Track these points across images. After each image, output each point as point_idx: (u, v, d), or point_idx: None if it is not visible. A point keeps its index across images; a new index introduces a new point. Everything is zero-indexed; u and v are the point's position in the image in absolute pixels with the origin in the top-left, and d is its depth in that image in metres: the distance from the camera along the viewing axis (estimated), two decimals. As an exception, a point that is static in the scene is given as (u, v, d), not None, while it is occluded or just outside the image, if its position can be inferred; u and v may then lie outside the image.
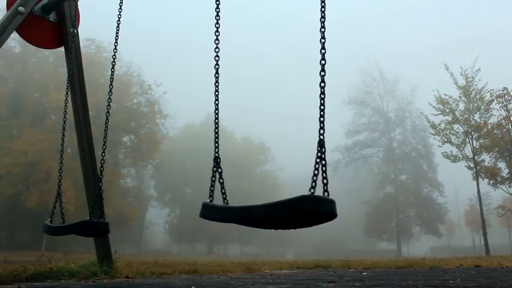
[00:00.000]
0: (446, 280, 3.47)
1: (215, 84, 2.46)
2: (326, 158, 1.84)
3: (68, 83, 4.27)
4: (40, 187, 29.29)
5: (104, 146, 3.57)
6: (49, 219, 3.66)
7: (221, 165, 2.29)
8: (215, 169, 2.23)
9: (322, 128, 1.86)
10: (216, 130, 2.38)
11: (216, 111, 2.46)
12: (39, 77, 33.67)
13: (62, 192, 3.77)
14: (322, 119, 1.89)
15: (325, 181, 1.79)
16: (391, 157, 49.32)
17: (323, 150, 1.81)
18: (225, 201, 2.15)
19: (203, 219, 2.09)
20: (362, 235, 50.89)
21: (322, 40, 1.99)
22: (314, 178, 1.76)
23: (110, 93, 3.67)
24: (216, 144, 2.32)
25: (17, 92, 33.17)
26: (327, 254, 32.13)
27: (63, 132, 4.03)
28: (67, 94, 4.12)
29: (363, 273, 5.04)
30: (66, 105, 4.05)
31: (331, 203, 1.72)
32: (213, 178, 2.21)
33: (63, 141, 3.98)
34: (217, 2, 2.56)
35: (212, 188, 2.18)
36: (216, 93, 2.46)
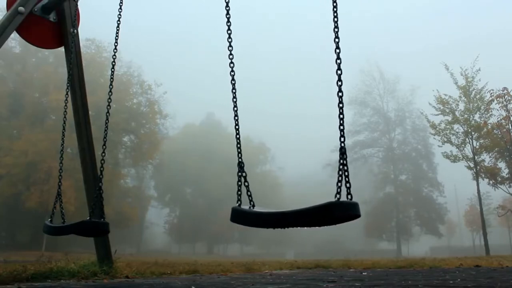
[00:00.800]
0: (446, 280, 3.47)
1: (232, 91, 2.49)
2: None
3: (68, 83, 4.27)
4: (40, 187, 29.29)
5: (104, 146, 3.57)
6: (49, 219, 3.66)
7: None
8: (239, 173, 2.28)
9: (342, 136, 1.94)
10: (238, 137, 2.48)
11: (236, 117, 2.50)
12: (39, 77, 33.67)
13: (62, 192, 3.77)
14: (342, 127, 1.96)
15: (347, 185, 1.88)
16: (391, 157, 49.32)
17: (345, 157, 1.91)
18: (251, 203, 2.21)
19: (235, 223, 2.18)
20: (362, 235, 50.87)
21: (336, 40, 2.03)
22: (339, 184, 1.86)
23: (110, 93, 3.67)
24: (239, 150, 2.41)
25: (17, 92, 33.17)
26: (327, 254, 32.13)
27: (63, 132, 4.03)
28: (67, 94, 4.12)
29: (363, 273, 5.04)
30: (66, 105, 4.05)
31: (356, 206, 1.84)
32: (239, 183, 2.27)
33: (63, 141, 3.98)
34: (226, 8, 2.57)
35: (239, 192, 2.25)
36: (234, 99, 2.48)
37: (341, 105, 1.97)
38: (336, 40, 2.01)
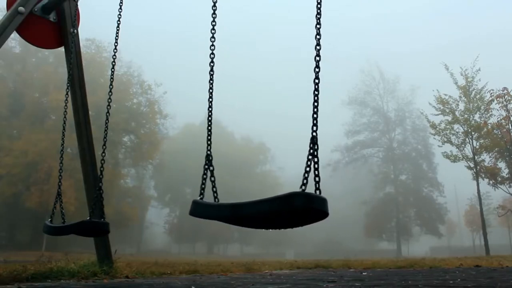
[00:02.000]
0: (446, 280, 3.47)
1: (209, 82, 2.47)
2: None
3: (68, 83, 4.27)
4: (40, 187, 29.29)
5: (104, 146, 3.57)
6: (49, 219, 3.66)
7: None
8: (206, 167, 2.20)
9: (315, 125, 1.85)
10: (209, 128, 2.37)
11: (210, 109, 2.46)
12: (39, 77, 33.68)
13: (62, 192, 3.77)
14: (315, 115, 1.86)
15: (317, 178, 1.76)
16: (391, 157, 49.34)
17: (316, 147, 1.79)
18: (216, 199, 2.13)
19: (193, 216, 2.07)
20: (362, 235, 50.90)
21: (317, 37, 1.98)
22: (306, 175, 1.74)
23: (110, 93, 3.67)
24: (209, 142, 2.31)
25: (17, 92, 33.18)
26: (327, 254, 32.12)
27: (63, 132, 4.03)
28: (67, 94, 4.13)
29: (363, 273, 5.04)
30: (66, 105, 4.05)
31: (323, 201, 1.68)
32: (204, 176, 2.18)
33: (63, 141, 3.99)
34: (213, 8, 2.56)
35: (203, 186, 2.15)
36: (210, 90, 2.46)
37: (316, 92, 1.89)
38: (317, 37, 1.97)
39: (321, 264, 7.46)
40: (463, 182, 31.83)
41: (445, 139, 22.17)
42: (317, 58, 1.94)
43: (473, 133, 21.61)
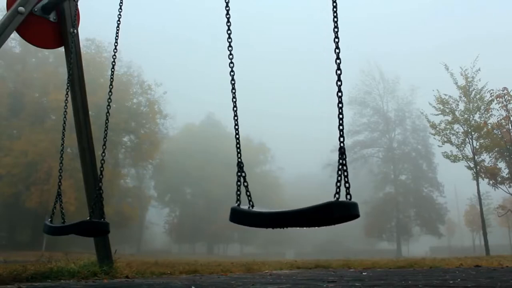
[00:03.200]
0: (446, 280, 3.47)
1: (231, 91, 2.49)
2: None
3: (68, 83, 4.27)
4: (40, 187, 29.28)
5: (104, 146, 3.57)
6: (49, 219, 3.66)
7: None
8: (239, 173, 2.28)
9: (342, 135, 1.94)
10: (237, 137, 2.48)
11: (236, 118, 2.49)
12: (39, 77, 33.66)
13: (62, 192, 3.77)
14: (341, 127, 1.96)
15: (347, 185, 1.88)
16: (391, 157, 49.33)
17: (344, 157, 1.91)
18: (251, 203, 2.20)
19: (234, 223, 2.18)
20: (362, 235, 50.88)
21: (337, 50, 2.03)
22: (338, 184, 1.86)
23: (110, 93, 3.67)
24: (238, 150, 2.41)
25: (17, 92, 33.16)
26: (327, 254, 32.13)
27: (63, 132, 4.03)
28: (67, 94, 4.12)
29: (363, 273, 5.03)
30: (66, 105, 4.05)
31: (355, 206, 1.84)
32: (238, 183, 2.27)
33: (63, 141, 3.98)
34: (226, 8, 2.57)
35: (238, 192, 2.25)
36: (234, 99, 2.48)
37: (340, 105, 1.97)
38: (336, 40, 2.02)
39: (321, 264, 7.45)
40: (463, 182, 31.84)
41: (445, 139, 22.17)
42: (338, 72, 2.00)
43: (473, 133, 21.60)
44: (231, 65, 2.50)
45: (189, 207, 55.67)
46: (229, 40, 2.53)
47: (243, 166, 2.31)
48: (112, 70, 3.85)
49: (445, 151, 22.50)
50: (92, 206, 3.62)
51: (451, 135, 22.11)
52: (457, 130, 22.08)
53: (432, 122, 23.20)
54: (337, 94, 1.97)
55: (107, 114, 3.63)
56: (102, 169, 3.51)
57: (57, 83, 30.02)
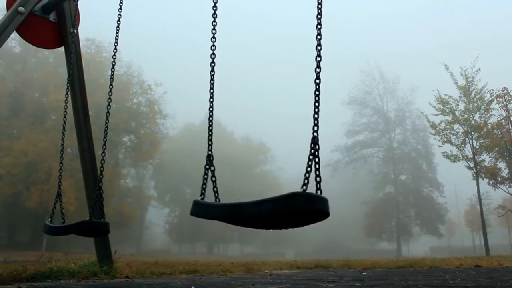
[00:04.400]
0: (446, 280, 3.47)
1: (210, 82, 2.46)
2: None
3: (68, 83, 4.27)
4: (40, 187, 29.27)
5: (104, 146, 3.57)
6: (49, 219, 3.66)
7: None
8: (207, 166, 2.20)
9: (316, 125, 1.84)
10: (210, 128, 2.38)
11: (211, 109, 2.46)
12: (39, 77, 33.65)
13: (62, 192, 3.77)
14: (316, 116, 1.86)
15: (318, 178, 1.76)
16: (391, 157, 49.33)
17: (317, 147, 1.79)
18: (217, 199, 2.13)
19: (195, 217, 2.06)
20: (362, 235, 50.89)
21: (318, 37, 1.98)
22: (307, 175, 1.73)
23: (110, 93, 3.67)
24: (210, 142, 2.31)
25: (17, 92, 33.16)
26: (327, 254, 32.12)
27: (63, 132, 4.03)
28: (67, 94, 4.12)
29: (363, 273, 5.04)
30: (66, 105, 4.05)
31: (324, 201, 1.69)
32: (205, 176, 2.17)
33: (63, 141, 3.99)
34: (214, 8, 2.55)
35: (204, 186, 2.14)
36: (211, 91, 2.46)
37: (317, 92, 1.89)
38: (318, 37, 1.98)
39: (321, 264, 7.45)
40: (463, 182, 31.84)
41: (445, 139, 22.16)
42: (318, 59, 1.94)
43: (473, 133, 21.60)
44: (213, 56, 2.46)
45: (189, 207, 54.84)
46: (214, 31, 2.50)
47: (212, 159, 2.23)
48: (112, 70, 3.85)
49: (445, 151, 22.52)
50: (92, 206, 3.62)
51: (451, 135, 22.11)
52: (457, 130, 22.09)
53: (432, 122, 23.21)
54: (315, 81, 1.90)
55: (107, 114, 3.63)
56: (102, 169, 3.51)
57: (57, 83, 30.02)
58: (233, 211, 1.87)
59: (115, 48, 3.85)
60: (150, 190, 53.59)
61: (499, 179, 21.71)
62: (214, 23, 2.51)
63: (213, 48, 2.48)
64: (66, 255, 5.51)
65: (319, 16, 2.01)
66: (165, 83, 40.20)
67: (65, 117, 4.07)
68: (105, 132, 3.62)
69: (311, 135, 1.82)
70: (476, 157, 21.43)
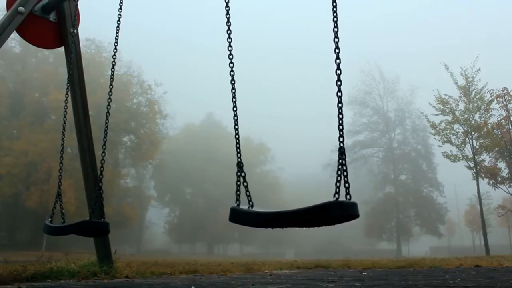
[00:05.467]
0: (446, 280, 3.47)
1: (231, 91, 2.49)
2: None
3: (68, 83, 4.27)
4: (40, 187, 29.29)
5: (104, 146, 3.57)
6: (49, 219, 3.66)
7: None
8: (239, 173, 2.28)
9: (341, 135, 1.94)
10: (237, 136, 2.48)
11: (235, 118, 2.49)
12: (39, 77, 33.66)
13: (62, 192, 3.77)
14: (341, 127, 1.96)
15: (346, 185, 1.87)
16: (391, 157, 49.34)
17: (344, 157, 1.91)
18: (250, 203, 2.20)
19: (234, 223, 2.17)
20: (362, 235, 50.89)
21: (337, 50, 2.03)
22: (337, 184, 1.85)
23: (110, 93, 3.67)
24: (238, 150, 2.41)
25: (17, 92, 33.17)
26: (327, 254, 32.13)
27: (63, 132, 4.03)
28: (67, 94, 4.12)
29: (363, 273, 5.03)
30: (66, 105, 4.05)
31: (354, 206, 1.83)
32: (238, 183, 2.27)
33: (63, 141, 3.98)
34: (226, 8, 2.57)
35: (238, 192, 2.24)
36: (234, 99, 2.48)
37: (340, 105, 1.97)
38: (336, 40, 2.01)
39: (321, 264, 7.45)
40: (463, 182, 31.83)
41: (445, 139, 22.16)
42: (338, 72, 2.00)
43: (473, 133, 21.59)
44: (231, 65, 2.50)
45: (189, 207, 55.66)
46: (229, 40, 2.53)
47: (243, 166, 2.31)
48: (112, 70, 3.85)
49: (445, 151, 22.52)
50: (92, 206, 3.62)
51: (451, 135, 22.10)
52: (457, 130, 22.08)
53: (432, 122, 23.20)
54: (337, 94, 1.98)
55: (107, 114, 3.62)
56: (102, 169, 3.51)
57: (57, 83, 30.03)
58: (271, 220, 2.01)
59: (115, 48, 3.85)
60: (150, 190, 53.62)
61: (499, 179, 21.71)
62: (228, 31, 2.53)
63: (230, 57, 2.51)
64: (66, 255, 5.52)
65: (335, 19, 2.05)
66: (165, 83, 40.25)
67: (65, 117, 4.07)
68: (105, 132, 3.62)
69: (338, 146, 1.92)
70: (476, 157, 21.43)
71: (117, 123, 32.42)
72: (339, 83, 1.98)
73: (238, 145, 2.43)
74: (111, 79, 3.76)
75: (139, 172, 46.12)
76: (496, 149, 21.58)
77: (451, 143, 22.00)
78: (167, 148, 46.19)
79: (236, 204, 2.20)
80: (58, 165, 3.88)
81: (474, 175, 21.47)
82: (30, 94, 33.36)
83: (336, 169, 1.89)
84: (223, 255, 52.65)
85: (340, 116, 1.96)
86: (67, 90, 4.16)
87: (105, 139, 3.60)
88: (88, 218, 3.56)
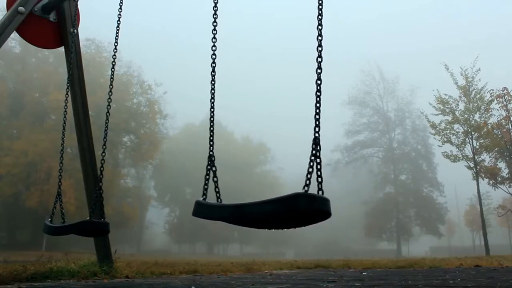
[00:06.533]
0: (446, 280, 3.47)
1: (211, 83, 2.45)
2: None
3: (68, 83, 4.27)
4: (40, 187, 29.28)
5: (104, 146, 3.57)
6: (49, 219, 3.66)
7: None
8: (209, 167, 2.21)
9: (317, 126, 1.85)
10: (211, 129, 2.39)
11: (212, 109, 2.44)
12: (39, 77, 33.66)
13: (62, 192, 3.77)
14: (317, 116, 1.87)
15: (319, 179, 1.77)
16: (391, 157, 49.34)
17: (318, 148, 1.80)
18: (219, 199, 2.14)
19: (196, 217, 2.07)
20: (362, 235, 50.91)
21: (319, 38, 1.98)
22: (308, 176, 1.74)
23: (110, 93, 3.67)
24: (211, 143, 2.32)
25: (17, 92, 33.16)
26: (327, 254, 32.13)
27: (63, 132, 4.03)
28: (67, 94, 4.12)
29: (363, 273, 5.04)
30: (66, 105, 4.05)
31: (325, 201, 1.70)
32: (207, 177, 2.19)
33: (63, 141, 3.98)
34: (214, 8, 2.55)
35: (205, 187, 2.16)
36: (212, 91, 2.45)
37: (318, 93, 1.89)
38: (319, 38, 1.97)
39: (321, 264, 7.45)
40: (463, 182, 31.84)
41: (445, 139, 22.15)
42: (319, 59, 1.94)
43: (473, 133, 21.59)
44: (213, 56, 2.45)
45: (189, 207, 55.39)
46: (214, 32, 2.48)
47: (214, 159, 2.24)
48: (112, 70, 3.85)
49: (445, 151, 22.51)
50: (92, 206, 3.62)
51: (451, 135, 22.10)
52: (457, 130, 22.08)
53: (432, 122, 23.20)
54: (316, 82, 1.90)
55: (107, 114, 3.62)
56: (102, 169, 3.51)
57: (57, 83, 30.03)
58: (235, 212, 1.87)
59: (115, 48, 3.85)
60: (150, 190, 53.64)
61: (499, 179, 21.71)
62: (214, 23, 2.51)
63: (213, 48, 2.48)
64: (66, 255, 5.52)
65: (320, 17, 2.01)
66: (165, 83, 40.23)
67: (65, 117, 4.07)
68: (105, 132, 3.62)
69: (313, 136, 1.82)
70: (476, 157, 21.43)
71: (117, 123, 32.41)
72: (319, 70, 1.91)
73: (212, 138, 2.34)
74: (111, 79, 3.76)
75: (139, 172, 46.13)
76: (496, 149, 21.58)
77: (451, 143, 22.00)
78: (167, 148, 46.20)
79: (202, 198, 2.10)
80: (58, 165, 3.88)
81: (474, 175, 21.47)
82: (30, 94, 33.35)
83: (309, 160, 1.77)
84: (223, 255, 52.66)
85: (318, 105, 1.88)
86: (67, 90, 4.16)
87: (105, 139, 3.61)
88: (88, 218, 3.56)
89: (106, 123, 3.64)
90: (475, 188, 21.37)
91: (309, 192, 1.69)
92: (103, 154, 3.50)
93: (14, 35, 4.17)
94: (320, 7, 2.04)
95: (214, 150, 2.30)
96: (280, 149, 64.57)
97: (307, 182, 1.72)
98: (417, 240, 51.09)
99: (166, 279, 4.16)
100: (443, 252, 43.03)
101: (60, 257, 5.34)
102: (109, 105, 3.62)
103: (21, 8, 3.95)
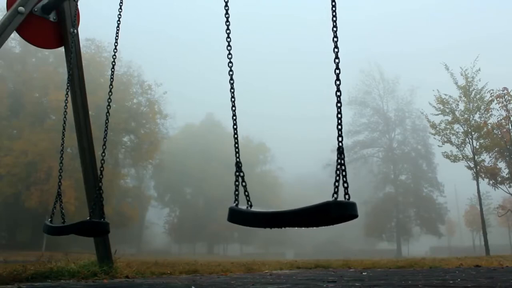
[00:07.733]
0: (446, 280, 3.47)
1: (230, 91, 2.48)
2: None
3: (68, 83, 4.26)
4: (40, 187, 29.29)
5: (104, 146, 3.57)
6: (49, 219, 3.66)
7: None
8: (237, 173, 2.28)
9: (340, 135, 1.93)
10: (236, 136, 2.45)
11: (234, 117, 2.48)
12: (39, 77, 33.65)
13: (62, 192, 3.76)
14: (340, 126, 1.96)
15: (345, 185, 1.86)
16: (391, 157, 49.33)
17: (343, 157, 1.89)
18: (249, 203, 2.19)
19: (232, 223, 2.16)
20: (362, 235, 50.89)
21: (335, 50, 2.02)
22: (336, 184, 1.84)
23: (110, 93, 3.66)
24: (237, 150, 2.40)
25: (17, 92, 33.16)
26: (327, 254, 32.13)
27: (63, 132, 4.03)
28: (67, 94, 4.12)
29: (363, 273, 5.03)
30: (66, 105, 4.04)
31: (353, 206, 1.83)
32: (236, 183, 2.26)
33: (63, 141, 3.98)
34: (226, 8, 2.57)
35: (236, 192, 2.24)
36: (233, 99, 2.48)
37: (339, 104, 1.96)
38: (335, 39, 2.01)
39: (321, 264, 7.45)
40: (463, 182, 31.83)
41: (445, 139, 22.17)
42: (337, 72, 2.00)
43: (473, 133, 21.60)
44: (230, 64, 2.50)
45: (189, 207, 55.67)
46: (228, 39, 2.53)
47: (241, 165, 2.31)
48: (112, 70, 3.84)
49: (445, 151, 22.53)
50: (92, 206, 3.62)
51: (451, 135, 22.12)
52: (457, 130, 22.10)
53: (432, 122, 23.21)
54: (336, 93, 1.97)
55: (107, 114, 3.62)
56: (102, 169, 3.51)
57: (57, 83, 30.03)
58: (270, 220, 2.00)
59: (115, 48, 3.85)
60: (150, 190, 53.64)
61: (499, 179, 21.72)
62: (227, 31, 2.53)
63: (229, 56, 2.50)
64: (66, 255, 5.52)
65: (334, 19, 2.06)
66: (165, 83, 40.25)
67: (65, 117, 4.07)
68: (105, 132, 3.61)
69: (337, 146, 1.90)
70: (476, 157, 21.44)
71: (117, 123, 32.42)
72: (337, 82, 1.98)
73: (237, 145, 2.41)
74: (111, 79, 3.76)
75: (139, 172, 46.14)
76: (496, 149, 21.59)
77: (451, 143, 22.01)
78: (167, 148, 46.18)
79: (234, 204, 2.19)
80: (58, 165, 3.88)
81: (474, 175, 21.48)
82: (30, 94, 33.35)
83: (335, 169, 1.88)
84: (223, 255, 52.65)
85: (339, 116, 1.96)
86: (67, 90, 4.16)
87: (105, 139, 3.60)
88: (88, 218, 3.56)
89: (106, 123, 3.63)
90: (475, 188, 21.39)
91: (338, 199, 1.82)
92: (103, 154, 3.50)
93: (14, 35, 4.17)
94: (334, 8, 2.07)
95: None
96: (280, 149, 64.60)
97: (336, 190, 1.83)
98: (417, 240, 51.08)
99: (166, 279, 4.16)
100: (443, 252, 43.05)
101: (60, 257, 5.34)
102: (109, 105, 3.62)
103: (21, 8, 3.95)
